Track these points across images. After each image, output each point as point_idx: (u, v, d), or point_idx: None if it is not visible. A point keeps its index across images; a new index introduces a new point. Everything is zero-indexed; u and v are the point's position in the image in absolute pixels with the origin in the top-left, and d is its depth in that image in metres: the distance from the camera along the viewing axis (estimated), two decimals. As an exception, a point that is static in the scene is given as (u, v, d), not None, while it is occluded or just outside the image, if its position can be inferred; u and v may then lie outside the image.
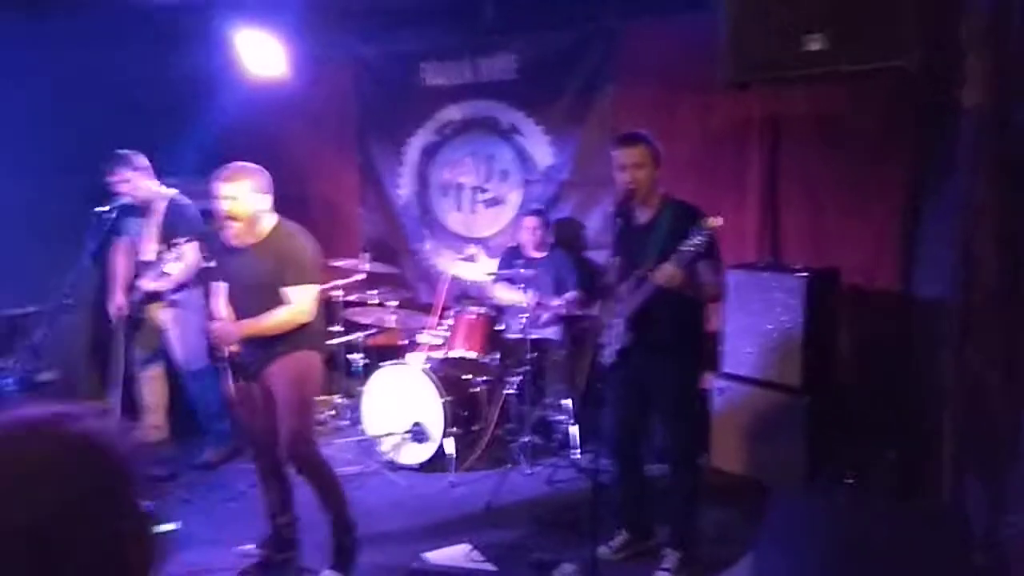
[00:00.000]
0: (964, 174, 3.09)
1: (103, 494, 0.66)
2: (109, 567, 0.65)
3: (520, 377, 4.53)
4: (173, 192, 4.44)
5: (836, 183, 4.37)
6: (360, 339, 4.92)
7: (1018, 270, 2.55)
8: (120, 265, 4.60)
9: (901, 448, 3.83)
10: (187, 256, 4.00)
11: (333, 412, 5.14)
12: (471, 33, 5.28)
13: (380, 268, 5.01)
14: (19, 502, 0.60)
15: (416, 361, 4.56)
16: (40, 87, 4.95)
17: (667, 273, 2.91)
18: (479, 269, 5.04)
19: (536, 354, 4.57)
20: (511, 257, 4.94)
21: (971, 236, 2.97)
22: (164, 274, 4.01)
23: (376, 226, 5.96)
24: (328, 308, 4.34)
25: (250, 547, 3.44)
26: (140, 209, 4.38)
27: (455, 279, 5.09)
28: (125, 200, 4.30)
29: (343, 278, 5.00)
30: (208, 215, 4.33)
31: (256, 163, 3.29)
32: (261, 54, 4.87)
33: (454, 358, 4.54)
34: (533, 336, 4.48)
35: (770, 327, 4.03)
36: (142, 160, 4.33)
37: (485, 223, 5.56)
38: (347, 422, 5.02)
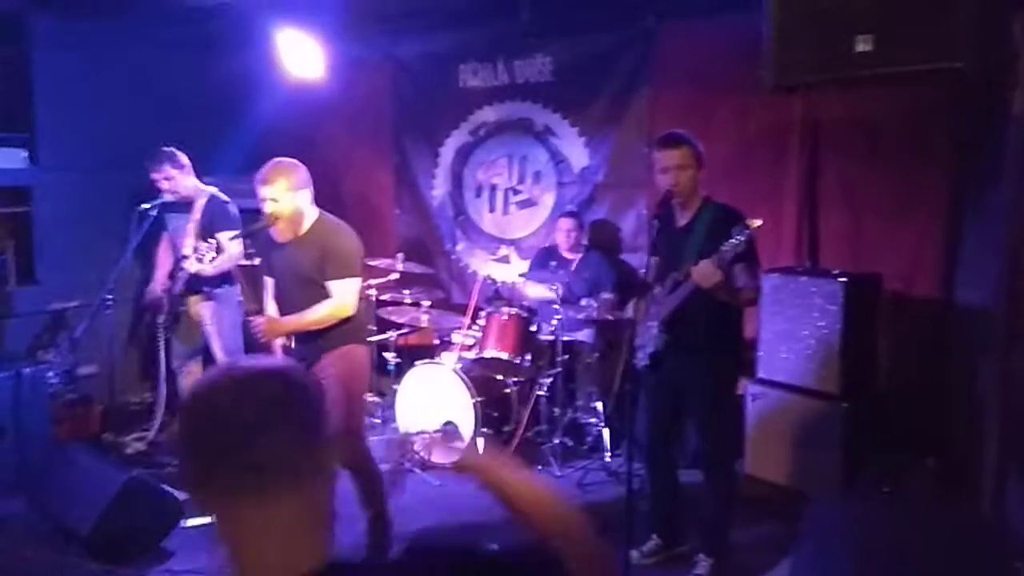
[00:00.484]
0: (1011, 182, 3.02)
1: (309, 415, 0.97)
2: (306, 462, 0.94)
3: (552, 379, 4.53)
4: (213, 190, 4.51)
5: (876, 187, 4.30)
6: (393, 338, 4.96)
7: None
8: (161, 261, 4.69)
9: (940, 456, 3.75)
10: (231, 249, 4.07)
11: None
12: (507, 35, 5.30)
13: (414, 268, 5.05)
14: (243, 408, 0.92)
15: (449, 361, 4.58)
16: (87, 87, 5.08)
17: (706, 271, 2.87)
18: (512, 270, 5.04)
19: (568, 356, 4.56)
20: (545, 258, 4.94)
21: (1019, 244, 2.90)
22: (202, 262, 4.06)
23: (411, 227, 6.00)
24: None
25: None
26: (181, 206, 4.46)
27: (488, 280, 5.11)
28: (167, 197, 4.38)
29: (378, 278, 5.04)
30: (247, 213, 4.41)
31: (293, 163, 3.33)
32: (301, 55, 4.93)
33: (486, 359, 4.55)
34: (565, 338, 4.47)
35: (807, 333, 3.98)
36: (183, 158, 4.41)
37: (518, 224, 5.57)
38: (380, 420, 5.06)
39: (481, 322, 4.70)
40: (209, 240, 4.03)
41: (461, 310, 5.10)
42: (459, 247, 5.80)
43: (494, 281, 5.12)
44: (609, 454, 4.50)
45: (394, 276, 5.03)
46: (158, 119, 5.18)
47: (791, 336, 4.04)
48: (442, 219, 5.87)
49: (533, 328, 4.64)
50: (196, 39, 5.29)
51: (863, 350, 4.03)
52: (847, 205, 4.41)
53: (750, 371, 4.14)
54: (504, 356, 4.50)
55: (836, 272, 4.00)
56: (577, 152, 5.28)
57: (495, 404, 4.52)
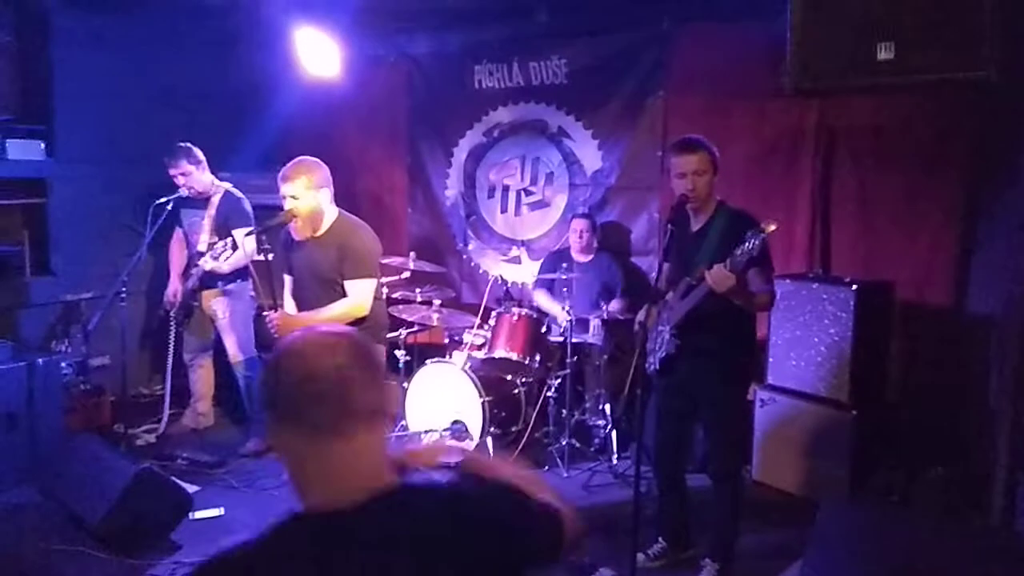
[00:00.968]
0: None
1: (374, 371, 1.20)
2: (374, 404, 1.17)
3: (560, 380, 4.53)
4: (228, 186, 4.54)
5: (889, 194, 4.29)
6: (403, 336, 4.97)
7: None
8: (174, 256, 4.72)
9: (950, 465, 3.74)
10: (245, 246, 4.10)
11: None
12: (523, 36, 5.31)
13: (426, 267, 5.06)
14: (330, 364, 1.14)
15: (458, 360, 4.60)
16: (106, 81, 5.12)
17: (719, 276, 2.85)
18: (523, 271, 5.04)
19: (577, 358, 4.56)
20: (555, 260, 4.95)
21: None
22: (217, 259, 4.09)
23: (423, 226, 6.02)
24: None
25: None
26: (196, 201, 4.49)
27: (499, 280, 5.12)
28: (183, 192, 4.41)
29: (389, 276, 5.05)
30: (261, 209, 4.44)
31: (308, 160, 3.35)
32: (317, 53, 4.96)
33: (495, 358, 4.56)
34: (575, 340, 4.48)
35: (817, 340, 3.97)
36: (200, 153, 4.44)
37: (530, 225, 5.58)
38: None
39: (491, 322, 4.71)
40: (225, 239, 4.07)
41: (472, 310, 5.11)
42: (471, 247, 5.82)
43: (505, 281, 5.13)
44: (616, 456, 4.50)
45: (406, 274, 5.04)
46: (174, 114, 5.22)
47: (801, 343, 4.03)
48: (454, 219, 5.88)
49: (543, 329, 4.65)
50: (214, 36, 5.33)
51: (874, 358, 4.02)
52: (860, 211, 4.40)
53: (759, 376, 4.13)
54: (514, 356, 4.50)
55: (848, 279, 3.99)
56: (590, 154, 5.28)
57: (504, 404, 4.53)
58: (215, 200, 4.46)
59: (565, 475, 4.33)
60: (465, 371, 4.45)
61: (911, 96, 3.89)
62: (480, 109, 5.64)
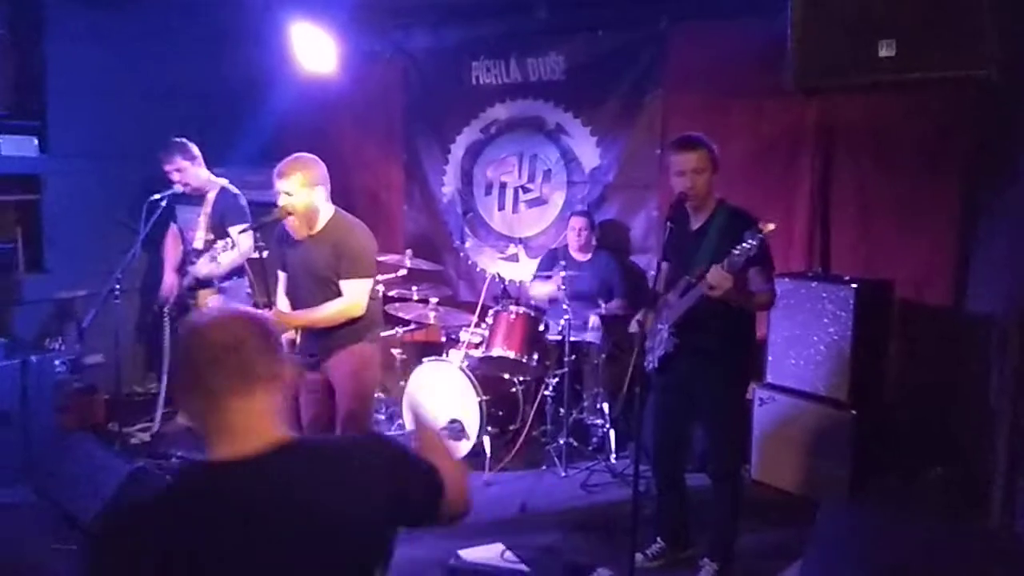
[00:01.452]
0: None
1: (269, 342, 1.38)
2: (269, 370, 1.36)
3: (558, 379, 4.51)
4: (224, 182, 4.51)
5: (889, 193, 4.28)
6: (400, 334, 4.95)
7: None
8: (169, 253, 4.69)
9: (949, 465, 3.73)
10: (241, 244, 4.07)
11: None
12: (521, 32, 5.28)
13: (422, 265, 5.03)
14: (226, 336, 1.33)
15: (455, 358, 4.57)
16: (100, 77, 5.08)
17: (718, 276, 2.83)
18: (520, 268, 5.01)
19: (575, 356, 4.54)
20: (552, 260, 4.92)
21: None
22: (216, 261, 4.06)
23: (419, 223, 5.99)
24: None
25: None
26: (192, 197, 4.46)
27: (496, 278, 5.09)
28: (178, 188, 4.38)
29: (386, 274, 5.02)
30: (257, 206, 4.41)
31: (303, 157, 3.32)
32: (313, 49, 4.93)
33: (493, 357, 4.54)
34: (573, 338, 4.45)
35: (817, 338, 3.96)
36: (195, 149, 4.40)
37: (527, 223, 5.55)
38: (385, 416, 5.05)
39: (489, 320, 4.69)
40: (222, 237, 4.03)
41: (469, 308, 5.09)
42: (468, 244, 5.79)
43: (502, 279, 5.10)
44: (614, 455, 4.48)
45: (402, 272, 5.01)
46: (169, 110, 5.18)
47: (801, 341, 4.02)
48: (451, 216, 5.85)
49: (541, 328, 4.63)
50: (209, 31, 5.29)
51: (873, 357, 4.00)
52: (860, 210, 4.39)
53: (759, 375, 4.12)
54: (511, 355, 4.48)
55: (848, 278, 3.98)
56: (588, 152, 5.26)
57: (501, 403, 4.51)
58: (211, 197, 4.43)
59: (563, 474, 4.32)
60: (462, 370, 4.43)
61: (910, 94, 3.87)
62: (477, 105, 5.61)
